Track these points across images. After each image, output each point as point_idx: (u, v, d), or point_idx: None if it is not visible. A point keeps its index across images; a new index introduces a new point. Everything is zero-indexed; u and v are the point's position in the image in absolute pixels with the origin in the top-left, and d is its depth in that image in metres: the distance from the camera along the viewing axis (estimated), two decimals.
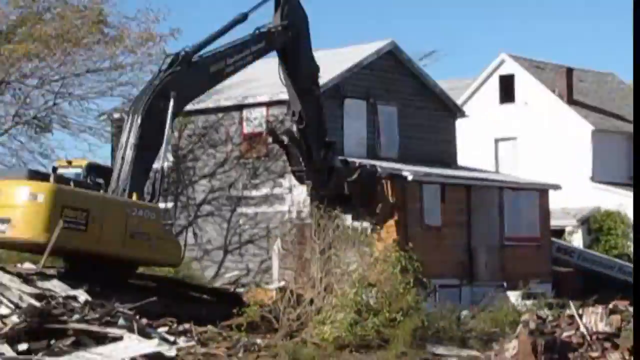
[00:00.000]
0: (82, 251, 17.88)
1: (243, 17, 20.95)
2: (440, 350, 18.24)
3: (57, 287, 17.03)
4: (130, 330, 15.19)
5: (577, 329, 18.25)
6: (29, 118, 29.08)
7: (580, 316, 18.49)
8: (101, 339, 14.98)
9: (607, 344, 17.95)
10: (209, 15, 78.45)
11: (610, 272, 31.67)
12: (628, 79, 47.08)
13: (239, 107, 28.05)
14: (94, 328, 15.11)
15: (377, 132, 28.78)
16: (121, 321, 15.59)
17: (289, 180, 26.92)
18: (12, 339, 14.49)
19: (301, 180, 23.68)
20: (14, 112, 28.64)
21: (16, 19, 28.45)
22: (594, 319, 18.30)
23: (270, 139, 24.63)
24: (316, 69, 22.86)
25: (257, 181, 27.71)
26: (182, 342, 16.01)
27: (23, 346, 14.45)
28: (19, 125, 28.97)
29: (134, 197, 18.54)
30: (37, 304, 15.73)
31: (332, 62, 27.81)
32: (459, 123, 31.56)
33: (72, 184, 18.20)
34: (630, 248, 34.87)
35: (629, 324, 21.32)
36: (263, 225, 27.35)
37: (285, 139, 23.03)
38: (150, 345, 14.67)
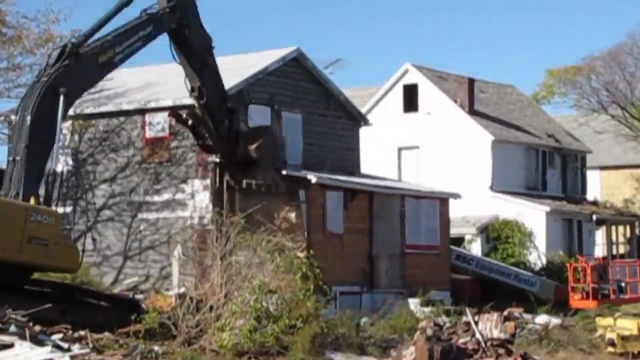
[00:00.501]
0: None
1: (128, 1, 20.61)
2: (338, 357, 18.33)
3: None
4: (22, 337, 14.79)
5: (473, 335, 18.60)
6: None
7: (476, 323, 18.84)
8: None
9: (501, 350, 18.33)
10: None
11: (507, 279, 32.33)
12: (527, 91, 48.38)
13: (142, 111, 27.66)
14: None
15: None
16: (12, 328, 15.18)
17: (192, 186, 26.68)
18: None
19: (209, 151, 23.73)
20: None
21: None
22: (489, 325, 18.68)
23: (172, 120, 24.47)
24: (209, 40, 22.62)
25: (159, 186, 27.36)
26: (76, 349, 15.67)
27: None
28: None
29: (32, 201, 18.09)
30: None
31: (236, 68, 27.68)
32: (363, 131, 31.80)
33: None
34: (526, 256, 35.69)
35: (523, 330, 21.86)
36: (164, 231, 27.02)
37: (190, 120, 22.88)
38: (43, 353, 14.32)
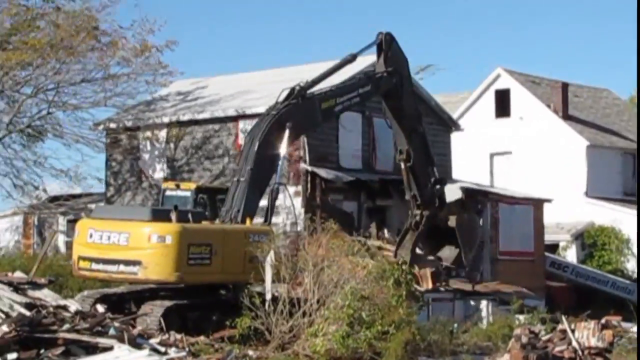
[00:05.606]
0: (207, 284, 18.66)
1: (352, 58, 22.05)
2: None
3: (48, 297, 16.98)
4: (121, 340, 15.11)
5: (569, 343, 18.22)
6: (23, 126, 29.09)
7: (573, 331, 18.45)
8: (91, 349, 14.91)
9: (599, 359, 17.92)
10: (205, 27, 78.59)
11: (604, 287, 31.66)
12: (623, 95, 47.26)
13: (235, 119, 28.03)
14: (85, 338, 15.04)
15: (372, 144, 28.76)
16: (112, 331, 15.52)
17: (285, 192, 26.86)
18: (1, 348, 14.42)
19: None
20: (8, 121, 28.66)
21: (10, 27, 28.47)
22: (586, 334, 18.28)
23: None
24: (419, 112, 23.82)
25: None
26: (172, 352, 15.92)
27: (12, 355, 14.36)
28: (13, 133, 28.97)
29: (248, 222, 19.22)
30: (27, 313, 15.67)
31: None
32: (454, 137, 31.57)
33: (190, 215, 18.60)
34: (624, 264, 34.85)
35: (621, 339, 21.32)
36: None
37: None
38: (141, 356, 14.60)
